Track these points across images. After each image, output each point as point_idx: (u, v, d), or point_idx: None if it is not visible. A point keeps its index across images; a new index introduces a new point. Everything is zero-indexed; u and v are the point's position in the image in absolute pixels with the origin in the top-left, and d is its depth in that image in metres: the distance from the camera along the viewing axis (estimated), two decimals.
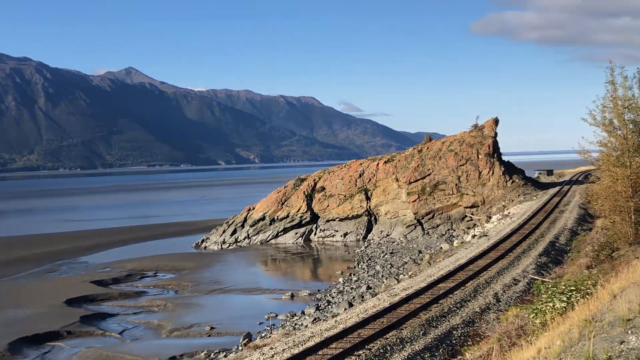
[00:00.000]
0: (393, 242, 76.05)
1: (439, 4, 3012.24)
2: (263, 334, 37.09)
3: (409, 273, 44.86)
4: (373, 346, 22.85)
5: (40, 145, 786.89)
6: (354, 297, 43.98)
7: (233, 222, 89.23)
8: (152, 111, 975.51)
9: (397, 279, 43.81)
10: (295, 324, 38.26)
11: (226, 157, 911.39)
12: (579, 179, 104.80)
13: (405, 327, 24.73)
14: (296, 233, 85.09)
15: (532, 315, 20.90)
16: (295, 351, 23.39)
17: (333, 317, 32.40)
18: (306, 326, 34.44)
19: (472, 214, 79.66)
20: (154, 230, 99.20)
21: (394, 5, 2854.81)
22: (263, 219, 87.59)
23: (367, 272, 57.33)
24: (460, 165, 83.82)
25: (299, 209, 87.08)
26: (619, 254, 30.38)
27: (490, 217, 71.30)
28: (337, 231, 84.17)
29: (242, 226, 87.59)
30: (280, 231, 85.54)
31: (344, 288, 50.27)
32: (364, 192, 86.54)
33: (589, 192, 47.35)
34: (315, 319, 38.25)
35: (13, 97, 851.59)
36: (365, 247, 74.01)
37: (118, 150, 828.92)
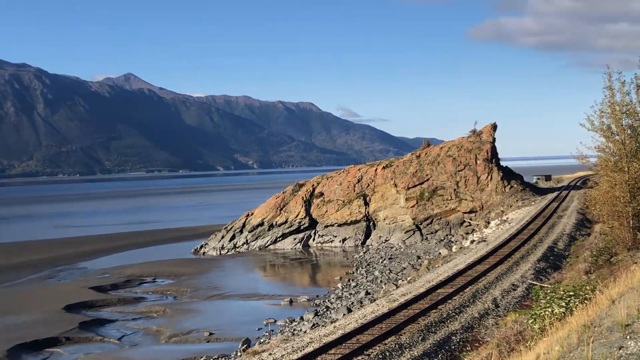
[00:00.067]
0: (392, 248, 76.05)
1: (436, 10, 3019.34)
2: (262, 340, 37.04)
3: (408, 279, 44.85)
4: (372, 352, 22.85)
5: (39, 151, 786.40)
6: (352, 303, 43.98)
7: (232, 227, 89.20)
8: (151, 117, 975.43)
9: (396, 285, 43.81)
10: (294, 330, 38.24)
11: (225, 163, 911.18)
12: (577, 184, 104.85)
13: (404, 333, 24.73)
14: (295, 238, 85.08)
15: (530, 321, 20.91)
16: (294, 357, 23.38)
17: (332, 322, 32.38)
18: (305, 332, 34.43)
19: (470, 220, 79.67)
20: (153, 236, 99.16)
21: (392, 11, 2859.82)
22: (262, 224, 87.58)
23: (366, 277, 57.32)
24: (459, 171, 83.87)
25: (298, 215, 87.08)
26: (618, 259, 30.40)
27: (488, 223, 71.31)
28: (335, 237, 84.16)
29: (241, 232, 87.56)
30: (279, 237, 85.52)
31: (342, 294, 50.26)
32: (362, 198, 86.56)
33: (587, 197, 47.49)
34: (314, 324, 38.24)
35: (12, 103, 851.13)
36: (364, 253, 74.01)
37: (117, 156, 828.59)
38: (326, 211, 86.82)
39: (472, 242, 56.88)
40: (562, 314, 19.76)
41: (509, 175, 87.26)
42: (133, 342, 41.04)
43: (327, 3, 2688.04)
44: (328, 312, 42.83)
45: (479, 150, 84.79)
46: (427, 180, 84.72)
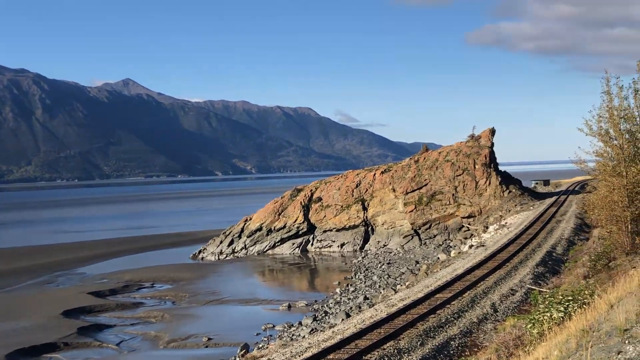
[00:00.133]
0: (390, 253, 76.00)
1: (435, 15, 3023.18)
2: (260, 345, 37.01)
3: (406, 283, 44.87)
4: (370, 357, 22.85)
5: (38, 157, 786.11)
6: (351, 308, 43.93)
7: (230, 232, 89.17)
8: (150, 122, 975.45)
9: (395, 290, 43.80)
10: (293, 335, 38.20)
11: (223, 168, 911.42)
12: (576, 188, 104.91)
13: (403, 338, 24.72)
14: (293, 243, 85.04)
15: (529, 326, 20.91)
16: None
17: (330, 327, 32.38)
18: (303, 337, 34.41)
19: (469, 224, 79.69)
20: (151, 241, 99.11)
21: (390, 16, 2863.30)
22: (260, 229, 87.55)
23: (364, 282, 57.27)
24: (457, 176, 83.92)
25: (296, 220, 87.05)
26: (616, 264, 30.43)
27: (487, 227, 71.34)
28: (334, 241, 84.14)
29: (239, 237, 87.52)
30: (277, 242, 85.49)
31: (341, 299, 50.21)
32: (360, 203, 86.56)
33: (586, 201, 47.53)
34: (312, 329, 38.18)
35: (10, 109, 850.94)
36: (363, 258, 73.96)
37: (115, 162, 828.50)
38: (324, 216, 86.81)
39: (470, 246, 56.93)
40: (561, 319, 19.77)
41: (507, 180, 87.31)
42: (131, 348, 40.99)
43: (324, 8, 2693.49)
44: (326, 317, 42.77)
45: (477, 155, 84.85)
46: (426, 185, 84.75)
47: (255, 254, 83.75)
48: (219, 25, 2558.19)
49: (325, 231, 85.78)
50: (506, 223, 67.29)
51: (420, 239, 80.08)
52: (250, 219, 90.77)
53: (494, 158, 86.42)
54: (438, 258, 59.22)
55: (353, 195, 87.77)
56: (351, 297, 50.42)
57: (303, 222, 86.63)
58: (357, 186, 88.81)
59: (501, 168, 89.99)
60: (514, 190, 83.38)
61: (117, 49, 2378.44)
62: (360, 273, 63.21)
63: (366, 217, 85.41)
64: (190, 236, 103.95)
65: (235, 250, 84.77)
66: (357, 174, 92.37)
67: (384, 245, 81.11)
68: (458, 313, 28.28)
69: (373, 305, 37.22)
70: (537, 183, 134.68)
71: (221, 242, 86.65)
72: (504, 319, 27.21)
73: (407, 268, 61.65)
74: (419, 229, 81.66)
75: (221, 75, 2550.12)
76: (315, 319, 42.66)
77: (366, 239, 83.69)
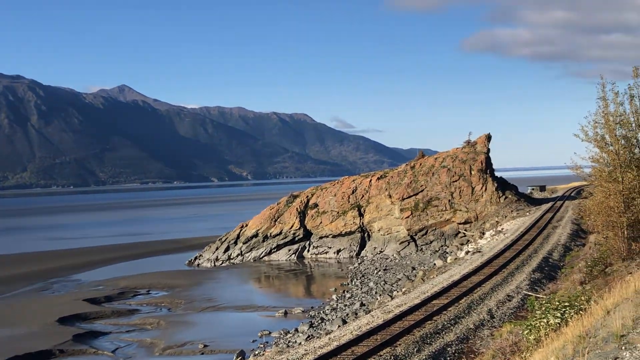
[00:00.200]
0: (386, 259, 75.97)
1: (430, 21, 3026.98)
2: (256, 352, 36.92)
3: (403, 290, 44.81)
4: None
5: (33, 163, 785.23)
6: (347, 314, 43.87)
7: (226, 239, 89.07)
8: (145, 128, 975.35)
9: (391, 296, 43.74)
10: (289, 342, 38.12)
11: (219, 174, 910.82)
12: (572, 194, 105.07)
13: (399, 344, 24.66)
14: (289, 250, 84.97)
15: (526, 332, 20.87)
16: None
17: (327, 334, 32.30)
18: (300, 343, 34.32)
19: (465, 230, 79.69)
20: (147, 248, 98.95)
21: (385, 22, 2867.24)
22: (256, 235, 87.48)
23: (361, 288, 57.20)
24: (453, 182, 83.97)
25: (292, 226, 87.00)
26: (612, 270, 30.41)
27: (483, 233, 71.32)
28: (330, 248, 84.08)
29: (235, 243, 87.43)
30: (274, 248, 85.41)
31: (337, 305, 50.14)
32: (356, 209, 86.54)
33: (582, 207, 47.50)
34: (308, 336, 38.10)
35: (6, 115, 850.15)
36: (359, 264, 73.90)
37: (111, 168, 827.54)
38: (321, 222, 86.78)
39: (467, 253, 56.87)
40: (558, 325, 19.73)
41: (503, 185, 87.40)
42: (127, 355, 40.87)
43: (320, 14, 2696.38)
44: (323, 324, 42.71)
45: (473, 161, 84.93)
46: (422, 191, 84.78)
47: (252, 261, 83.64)
48: (214, 31, 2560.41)
49: (321, 237, 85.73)
50: (502, 229, 67.29)
51: (416, 245, 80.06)
52: (246, 226, 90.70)
53: (490, 164, 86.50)
54: (434, 264, 59.16)
55: (349, 202, 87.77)
56: (347, 303, 50.36)
57: (299, 229, 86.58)
58: (353, 192, 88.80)
59: (497, 174, 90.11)
60: (510, 196, 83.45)
61: (112, 55, 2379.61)
62: (357, 279, 63.15)
63: (362, 223, 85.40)
64: (186, 243, 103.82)
65: (231, 257, 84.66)
66: (353, 180, 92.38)
67: (380, 252, 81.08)
68: (455, 319, 28.23)
69: (369, 311, 37.15)
70: (533, 189, 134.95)
71: (217, 249, 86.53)
72: (501, 325, 27.16)
73: (404, 274, 61.61)
74: (415, 235, 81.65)
75: (217, 81, 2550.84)
76: (311, 326, 42.60)
77: (362, 245, 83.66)
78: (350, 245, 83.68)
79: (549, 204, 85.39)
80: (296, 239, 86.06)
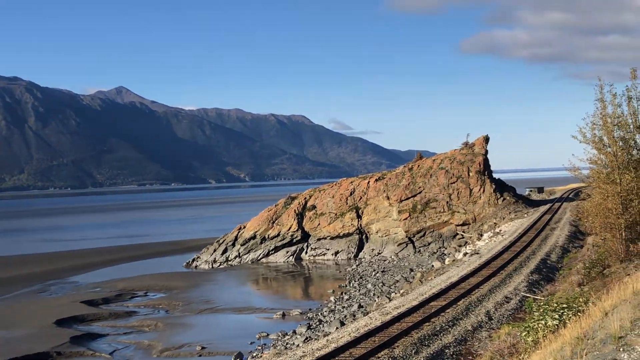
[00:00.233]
0: (384, 261, 75.96)
1: (429, 22, 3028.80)
2: (254, 354, 36.90)
3: (401, 291, 44.81)
4: None
5: (31, 165, 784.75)
6: (345, 316, 43.84)
7: (224, 241, 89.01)
8: (143, 130, 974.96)
9: (389, 298, 43.73)
10: (287, 344, 38.08)
11: (217, 176, 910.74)
12: (570, 196, 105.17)
13: (397, 346, 24.65)
14: (287, 252, 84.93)
15: (524, 333, 20.86)
16: None
17: (325, 336, 32.29)
18: (297, 345, 34.30)
19: (463, 232, 79.71)
20: (145, 250, 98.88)
21: (384, 23, 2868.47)
22: (254, 237, 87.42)
23: (359, 290, 57.17)
24: (451, 183, 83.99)
25: (290, 228, 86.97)
26: (610, 271, 30.42)
27: (481, 235, 71.35)
28: (328, 249, 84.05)
29: (233, 245, 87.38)
30: (271, 250, 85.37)
31: (335, 307, 50.11)
32: (354, 211, 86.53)
33: (580, 209, 47.53)
34: (306, 338, 38.08)
35: (3, 117, 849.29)
36: (357, 266, 73.87)
37: (108, 170, 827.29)
38: (318, 224, 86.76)
39: (465, 254, 56.89)
40: (556, 327, 19.73)
41: (501, 187, 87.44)
42: (125, 357, 40.82)
43: (318, 15, 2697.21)
44: (321, 326, 42.67)
45: (471, 163, 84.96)
46: (420, 192, 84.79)
47: (249, 262, 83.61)
48: (212, 33, 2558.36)
49: (319, 239, 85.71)
50: (500, 230, 67.33)
51: (414, 247, 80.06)
52: (244, 227, 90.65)
53: (488, 165, 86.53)
54: (432, 266, 59.19)
55: (347, 203, 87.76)
56: (345, 305, 50.32)
57: (297, 230, 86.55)
58: (351, 194, 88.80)
59: (495, 175, 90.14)
60: (508, 198, 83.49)
61: (110, 56, 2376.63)
62: (355, 281, 63.12)
63: (360, 225, 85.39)
64: (183, 244, 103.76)
65: (229, 259, 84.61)
66: (351, 182, 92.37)
67: (378, 253, 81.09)
68: (453, 321, 28.23)
69: (367, 313, 37.15)
70: (531, 190, 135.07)
71: (215, 251, 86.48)
72: (499, 326, 27.16)
73: (402, 276, 61.61)
74: (413, 236, 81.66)
75: (215, 82, 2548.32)
76: (309, 328, 42.55)
77: (360, 247, 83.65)
78: (348, 247, 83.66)
79: (547, 206, 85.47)
80: (294, 240, 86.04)
